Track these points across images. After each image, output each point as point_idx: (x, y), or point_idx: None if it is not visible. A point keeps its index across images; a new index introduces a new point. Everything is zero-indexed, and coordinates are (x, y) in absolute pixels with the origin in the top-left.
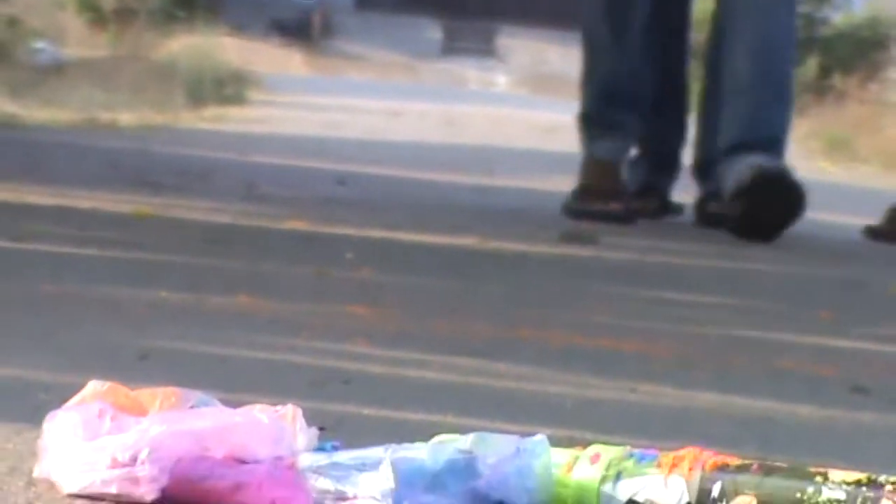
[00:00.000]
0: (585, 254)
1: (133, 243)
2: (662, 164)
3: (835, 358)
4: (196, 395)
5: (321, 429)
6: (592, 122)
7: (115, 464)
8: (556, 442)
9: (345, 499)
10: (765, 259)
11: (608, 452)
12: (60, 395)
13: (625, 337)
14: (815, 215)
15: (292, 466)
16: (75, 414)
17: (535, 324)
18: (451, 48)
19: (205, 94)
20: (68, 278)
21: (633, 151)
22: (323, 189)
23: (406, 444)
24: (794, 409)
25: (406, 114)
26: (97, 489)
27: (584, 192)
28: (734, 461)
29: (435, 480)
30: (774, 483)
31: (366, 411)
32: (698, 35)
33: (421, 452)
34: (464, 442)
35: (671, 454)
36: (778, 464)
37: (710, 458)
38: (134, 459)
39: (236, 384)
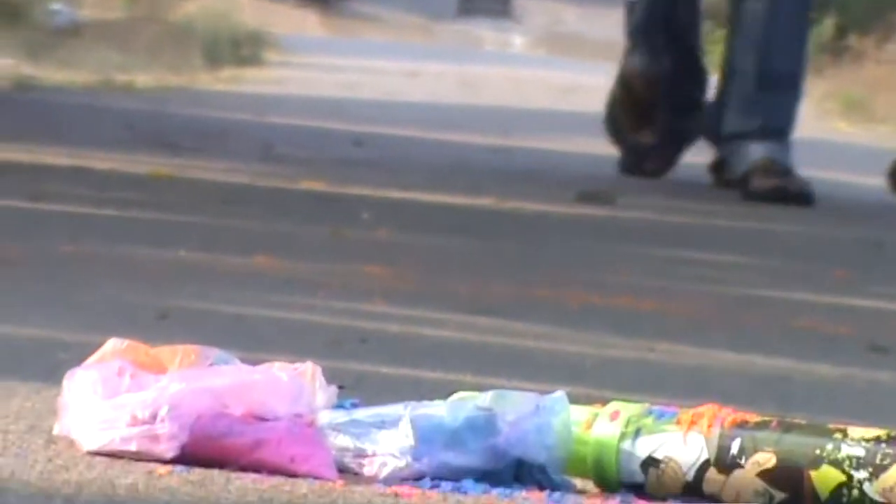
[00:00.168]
0: (602, 213)
1: (150, 204)
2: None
3: (852, 317)
4: (215, 352)
5: (340, 387)
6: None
7: (134, 421)
8: (574, 400)
9: (364, 456)
10: (782, 219)
11: (627, 409)
12: (79, 355)
13: (642, 296)
14: (832, 175)
15: (311, 424)
16: (95, 372)
17: (552, 283)
18: (466, 9)
19: (221, 55)
20: (86, 238)
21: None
22: (339, 150)
23: (425, 402)
24: (812, 367)
25: (422, 75)
26: (117, 447)
27: (616, 107)
28: (753, 418)
29: (454, 437)
30: (793, 440)
31: (384, 370)
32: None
33: (440, 409)
34: (483, 399)
35: (690, 411)
36: (797, 421)
37: (729, 415)
38: (153, 417)
39: (254, 343)
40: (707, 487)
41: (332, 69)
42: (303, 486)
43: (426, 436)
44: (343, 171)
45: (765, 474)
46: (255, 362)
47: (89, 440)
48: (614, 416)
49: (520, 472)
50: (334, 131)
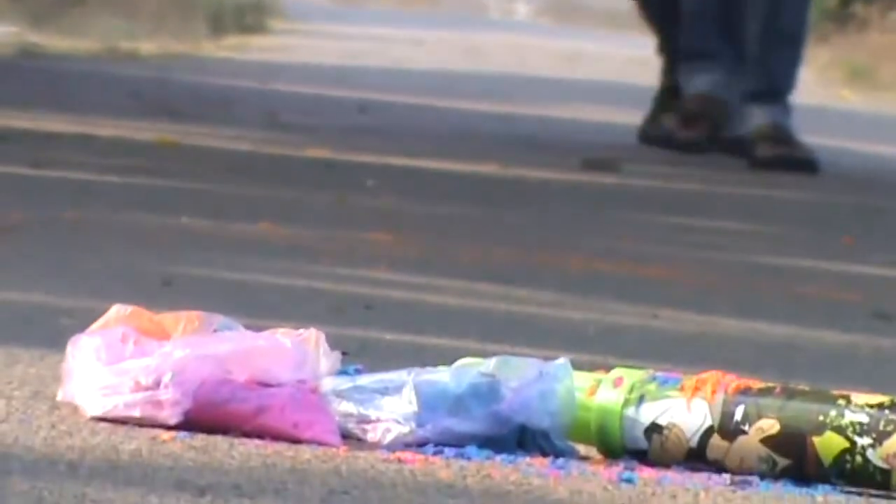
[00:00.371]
0: (607, 181)
1: (154, 171)
2: None
3: (856, 284)
4: (219, 318)
5: (344, 353)
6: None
7: (138, 387)
8: (578, 367)
9: (367, 422)
10: (787, 186)
11: (631, 376)
12: (83, 321)
13: (647, 263)
14: (836, 143)
15: (315, 390)
16: (98, 338)
17: (556, 250)
18: None
19: (226, 22)
20: (90, 205)
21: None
22: (344, 117)
23: (429, 368)
24: (816, 334)
25: (427, 43)
26: (120, 413)
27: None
28: (757, 384)
29: (458, 403)
30: (797, 406)
31: (388, 336)
32: None
33: (444, 376)
34: (486, 366)
35: (694, 378)
36: (800, 387)
37: (733, 381)
38: (157, 383)
39: (258, 310)
40: (711, 454)
41: (337, 37)
42: (306, 451)
43: (430, 402)
44: (348, 139)
45: (768, 440)
46: (258, 329)
47: (93, 406)
48: (618, 382)
49: (523, 439)
50: (339, 99)
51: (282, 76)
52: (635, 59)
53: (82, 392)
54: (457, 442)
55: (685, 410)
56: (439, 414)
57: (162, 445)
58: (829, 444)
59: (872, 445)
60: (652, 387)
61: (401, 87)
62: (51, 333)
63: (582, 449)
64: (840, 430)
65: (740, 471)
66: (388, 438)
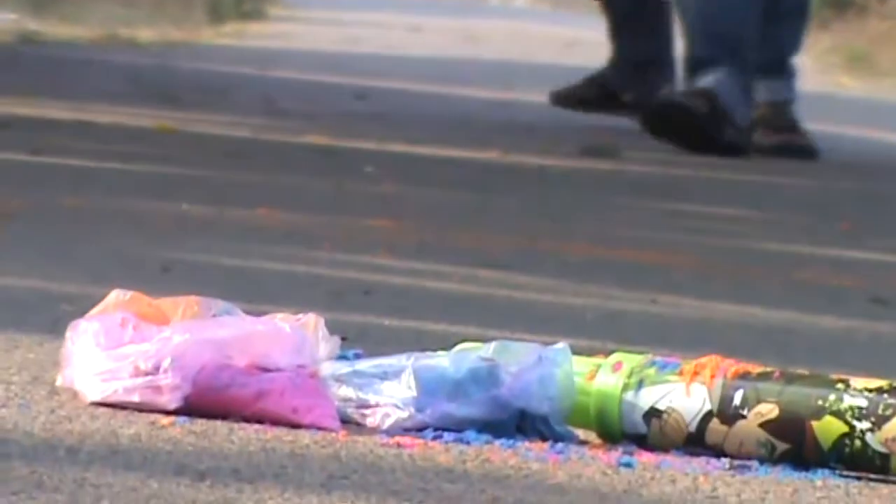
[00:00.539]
0: (605, 167)
1: (154, 157)
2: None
3: (854, 269)
4: (218, 303)
5: (343, 338)
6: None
7: (137, 372)
8: (577, 352)
9: (367, 407)
10: (784, 172)
11: (630, 361)
12: (82, 307)
13: (645, 249)
14: (835, 129)
15: (314, 375)
16: (97, 323)
17: (555, 236)
18: None
19: (224, 9)
20: (89, 192)
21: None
22: (343, 104)
23: (428, 353)
24: (814, 320)
25: (426, 29)
26: (120, 398)
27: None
28: (756, 369)
29: (457, 388)
30: (796, 391)
31: (387, 322)
32: None
33: (443, 360)
34: (486, 350)
35: (693, 362)
36: (799, 372)
37: (732, 366)
38: (156, 368)
39: (257, 296)
40: (710, 438)
41: (335, 23)
42: (305, 436)
43: (429, 387)
44: (346, 125)
45: (767, 425)
46: (258, 314)
47: (92, 391)
48: (617, 367)
49: (522, 423)
50: (337, 85)
51: (280, 63)
52: None
53: (81, 377)
54: (456, 426)
55: (684, 395)
56: (438, 398)
57: (161, 430)
58: (828, 428)
59: (871, 429)
60: (651, 371)
61: (399, 74)
62: (50, 319)
63: (581, 433)
64: (839, 414)
65: (739, 455)
66: (388, 423)
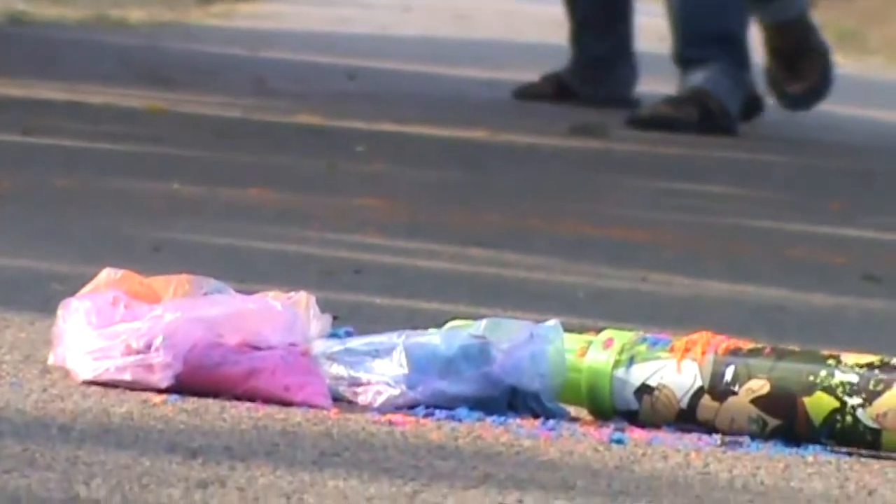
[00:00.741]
0: (595, 146)
1: (144, 137)
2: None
3: (845, 247)
4: (210, 282)
5: (335, 317)
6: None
7: (129, 351)
8: (568, 329)
9: (358, 384)
10: (775, 150)
11: (621, 337)
12: (74, 286)
13: (635, 227)
14: (824, 107)
15: (305, 353)
16: (89, 301)
17: (545, 215)
18: None
19: None
20: (81, 172)
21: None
22: (333, 84)
23: (419, 331)
24: (806, 297)
25: (416, 8)
26: (111, 376)
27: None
28: (747, 345)
29: (448, 366)
30: (787, 367)
31: (378, 300)
32: None
33: (434, 338)
34: (477, 327)
35: (684, 339)
36: (790, 348)
37: (723, 342)
38: (148, 346)
39: (248, 275)
40: (701, 414)
41: (325, 3)
42: (297, 414)
43: (420, 364)
44: (337, 105)
45: (758, 401)
46: (249, 293)
47: (84, 370)
48: (608, 343)
49: (514, 400)
50: (328, 65)
51: (270, 43)
52: None
53: (73, 356)
54: (448, 404)
55: (675, 371)
56: (430, 376)
57: (153, 408)
58: (819, 404)
59: (862, 405)
60: (642, 348)
61: (389, 54)
62: (41, 298)
63: (572, 410)
64: (830, 390)
65: (730, 431)
66: (379, 401)
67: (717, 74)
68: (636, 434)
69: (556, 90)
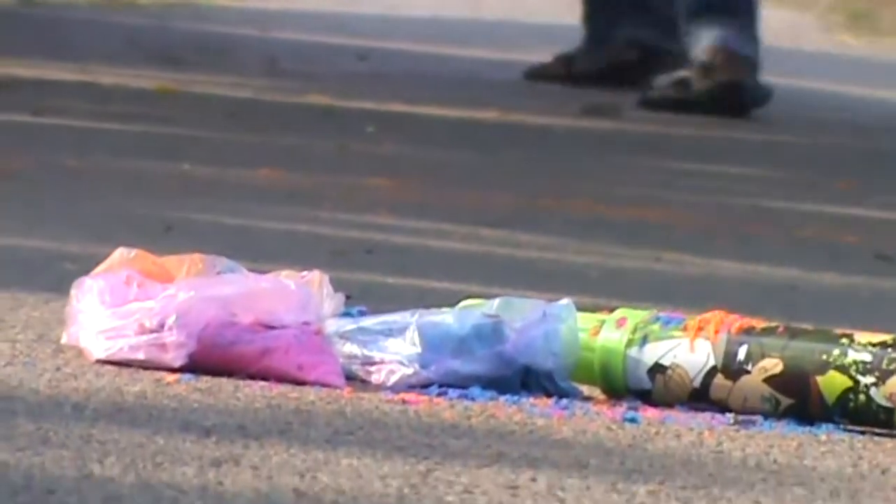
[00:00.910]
0: (607, 126)
1: (156, 118)
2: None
3: (857, 226)
4: (223, 261)
5: (347, 296)
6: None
7: (142, 330)
8: (581, 309)
9: (371, 363)
10: (787, 131)
11: (634, 316)
12: (86, 266)
13: (648, 207)
14: (837, 87)
15: (319, 332)
16: (102, 281)
17: (557, 195)
18: None
19: None
20: (92, 152)
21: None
22: (344, 64)
23: (432, 310)
24: (817, 276)
25: None
26: (125, 355)
27: None
28: (760, 324)
29: (461, 345)
30: (800, 345)
31: (390, 280)
32: None
33: (447, 317)
34: (490, 306)
35: (697, 317)
36: (803, 327)
37: (736, 321)
38: (161, 325)
39: (260, 255)
40: (714, 393)
41: None
42: (310, 393)
43: (433, 343)
44: (348, 86)
45: (771, 380)
46: (261, 272)
47: (97, 349)
48: (621, 322)
49: (527, 379)
50: (338, 46)
51: (280, 23)
52: None
53: (87, 335)
54: (461, 383)
55: (688, 350)
56: (443, 355)
57: (167, 387)
58: (832, 383)
59: (875, 384)
60: (655, 327)
61: (400, 34)
62: (54, 278)
63: (585, 389)
64: (843, 368)
65: (743, 410)
66: (393, 380)
67: (733, 30)
68: (649, 413)
69: (568, 71)
